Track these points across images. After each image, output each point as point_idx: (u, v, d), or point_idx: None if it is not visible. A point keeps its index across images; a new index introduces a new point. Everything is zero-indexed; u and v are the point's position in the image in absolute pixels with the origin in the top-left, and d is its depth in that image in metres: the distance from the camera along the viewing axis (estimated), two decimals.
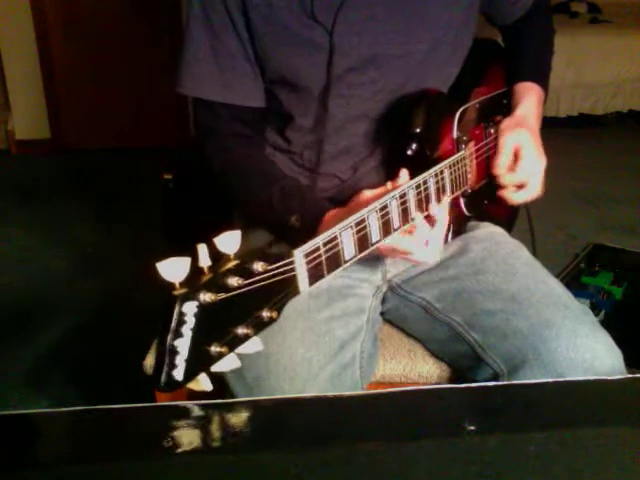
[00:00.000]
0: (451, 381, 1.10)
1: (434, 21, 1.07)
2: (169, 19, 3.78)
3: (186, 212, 2.27)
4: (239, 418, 0.60)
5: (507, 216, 1.29)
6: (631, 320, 2.04)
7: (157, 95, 3.83)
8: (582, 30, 4.21)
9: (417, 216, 0.91)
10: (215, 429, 0.58)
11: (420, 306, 1.10)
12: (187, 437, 0.58)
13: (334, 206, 1.00)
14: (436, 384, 1.10)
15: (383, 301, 1.15)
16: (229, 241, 0.62)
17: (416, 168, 0.94)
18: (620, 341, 0.97)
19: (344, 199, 1.12)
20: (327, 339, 0.98)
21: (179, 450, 0.57)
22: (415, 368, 1.11)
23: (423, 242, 0.92)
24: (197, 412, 0.61)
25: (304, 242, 0.71)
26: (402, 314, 1.14)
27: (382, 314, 1.16)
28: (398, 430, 0.59)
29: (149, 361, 1.13)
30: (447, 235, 1.11)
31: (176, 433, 0.59)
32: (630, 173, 3.44)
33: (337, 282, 1.05)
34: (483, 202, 1.16)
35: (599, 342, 0.94)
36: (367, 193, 0.94)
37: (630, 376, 0.88)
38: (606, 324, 0.99)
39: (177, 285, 0.57)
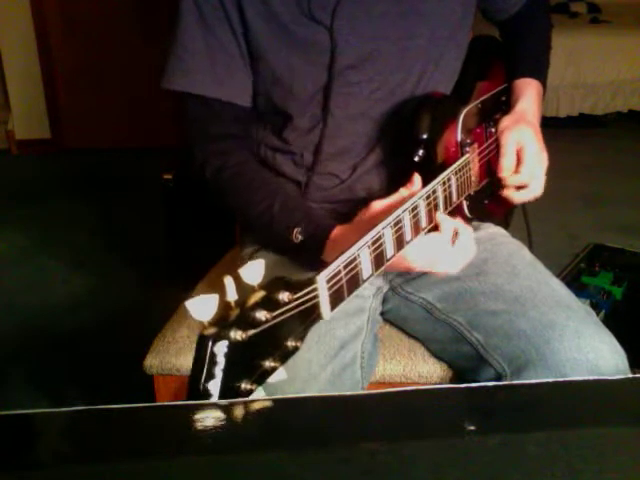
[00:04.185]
0: (451, 381, 1.10)
1: (431, 16, 1.06)
2: (169, 19, 3.78)
3: (187, 212, 2.28)
4: (239, 418, 0.60)
5: (504, 213, 1.29)
6: (631, 320, 2.04)
7: (157, 95, 3.80)
8: (582, 30, 4.22)
9: (442, 218, 0.91)
10: (215, 429, 0.58)
11: (421, 307, 1.10)
12: (186, 437, 0.58)
13: (338, 221, 0.97)
14: (436, 384, 1.10)
15: (384, 301, 1.15)
16: (254, 271, 0.61)
17: (422, 174, 0.93)
18: (620, 341, 0.97)
19: (342, 198, 1.11)
20: (327, 339, 0.98)
21: (179, 450, 0.57)
22: (415, 368, 1.11)
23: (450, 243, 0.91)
24: (197, 412, 0.61)
25: (307, 258, 0.69)
26: (403, 314, 1.14)
27: (382, 314, 1.15)
28: (398, 430, 0.59)
29: (149, 361, 1.14)
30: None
31: (175, 433, 0.59)
32: (630, 173, 3.44)
33: None
34: (484, 202, 1.16)
35: (603, 342, 0.94)
36: (376, 206, 0.90)
37: (630, 376, 0.87)
38: (606, 324, 0.99)
39: (206, 324, 0.56)
